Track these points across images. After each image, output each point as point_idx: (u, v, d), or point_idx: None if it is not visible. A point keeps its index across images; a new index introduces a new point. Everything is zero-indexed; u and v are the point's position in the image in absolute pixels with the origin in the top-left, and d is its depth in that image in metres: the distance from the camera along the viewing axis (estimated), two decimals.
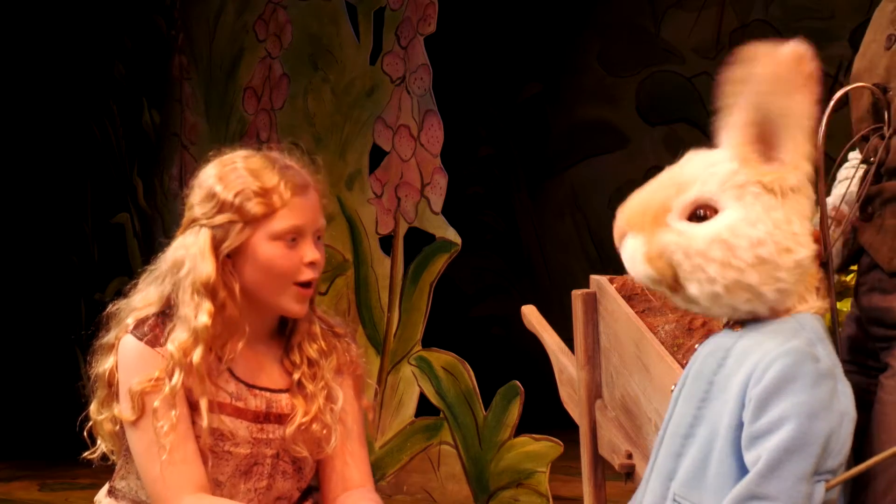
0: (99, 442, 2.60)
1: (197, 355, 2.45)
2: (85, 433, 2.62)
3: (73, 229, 8.39)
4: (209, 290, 2.46)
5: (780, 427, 1.76)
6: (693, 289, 1.87)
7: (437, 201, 5.65)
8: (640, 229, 1.91)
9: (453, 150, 5.89)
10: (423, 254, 5.71)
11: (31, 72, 8.38)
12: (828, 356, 1.84)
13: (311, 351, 2.59)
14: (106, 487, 2.65)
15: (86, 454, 2.63)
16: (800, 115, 1.85)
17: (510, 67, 8.47)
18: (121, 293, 2.65)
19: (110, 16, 7.93)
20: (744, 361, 1.85)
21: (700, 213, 1.88)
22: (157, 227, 7.28)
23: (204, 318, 2.45)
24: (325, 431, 2.55)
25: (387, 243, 5.89)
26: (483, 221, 8.53)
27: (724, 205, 1.87)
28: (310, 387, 2.56)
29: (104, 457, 2.63)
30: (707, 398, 1.89)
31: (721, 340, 1.92)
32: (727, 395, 1.85)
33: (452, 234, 5.60)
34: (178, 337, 2.47)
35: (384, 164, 5.90)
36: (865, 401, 1.92)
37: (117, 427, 2.56)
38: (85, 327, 2.66)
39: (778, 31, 7.42)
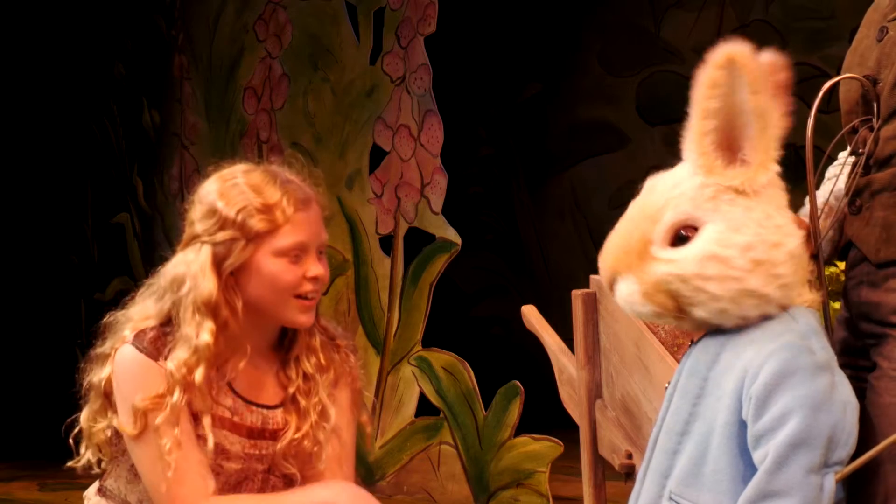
0: (83, 450, 2.57)
1: (199, 374, 2.42)
2: (71, 440, 2.59)
3: (73, 229, 8.39)
4: (211, 309, 2.43)
5: (785, 423, 1.76)
6: (700, 312, 1.86)
7: (437, 201, 5.65)
8: (629, 269, 1.89)
9: (453, 150, 5.89)
10: (423, 254, 5.71)
11: (31, 72, 8.39)
12: (823, 349, 1.84)
13: (308, 366, 2.55)
14: (96, 485, 2.64)
15: (70, 463, 2.60)
16: (764, 114, 1.83)
17: (510, 67, 8.47)
18: (119, 301, 2.62)
19: (110, 16, 7.93)
20: (738, 357, 1.85)
21: (682, 234, 1.87)
22: (157, 227, 7.28)
23: (206, 337, 2.42)
24: (315, 448, 2.52)
25: (387, 243, 5.89)
26: (483, 221, 8.53)
27: (703, 220, 1.86)
28: (303, 402, 2.53)
29: (89, 466, 2.60)
30: (702, 395, 1.89)
31: (715, 337, 1.92)
32: (722, 392, 1.85)
33: (452, 234, 5.60)
34: (178, 356, 2.44)
35: (384, 164, 5.90)
36: (861, 401, 1.91)
37: (111, 435, 2.53)
38: (85, 327, 2.65)
39: (778, 31, 7.43)
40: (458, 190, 6.19)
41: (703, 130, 1.86)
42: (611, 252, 1.92)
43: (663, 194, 1.90)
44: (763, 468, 1.76)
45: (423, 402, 5.71)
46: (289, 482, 2.55)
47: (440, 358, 5.62)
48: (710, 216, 1.85)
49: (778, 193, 1.88)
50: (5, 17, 8.18)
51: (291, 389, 2.54)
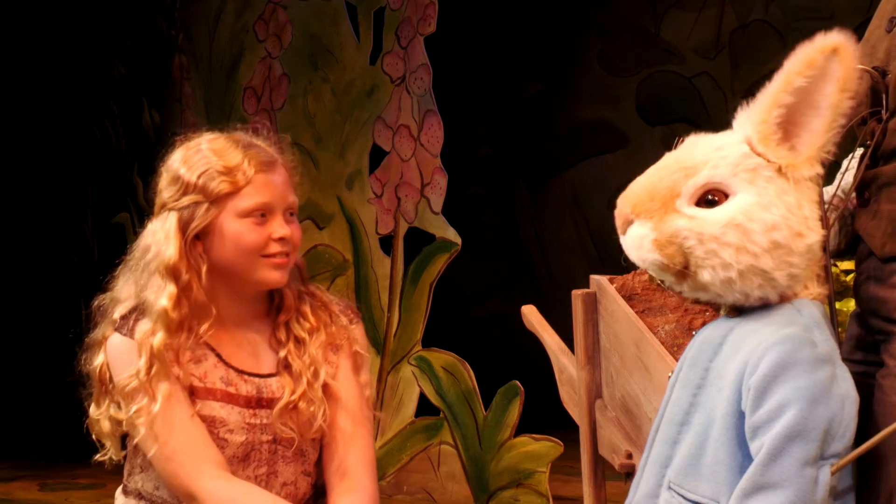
0: (107, 444, 2.58)
1: (157, 340, 2.44)
2: (94, 436, 2.59)
3: (73, 229, 8.39)
4: (171, 272, 2.45)
5: (782, 414, 1.75)
6: (706, 275, 1.85)
7: (437, 201, 5.65)
8: (648, 215, 1.88)
9: (453, 150, 5.89)
10: (423, 254, 5.71)
11: (31, 72, 8.39)
12: (825, 341, 1.83)
13: (298, 328, 2.57)
14: (121, 486, 2.65)
15: (97, 457, 2.60)
16: (838, 113, 1.83)
17: (510, 67, 8.47)
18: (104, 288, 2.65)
19: (110, 16, 7.93)
20: (739, 348, 1.85)
21: (710, 197, 1.87)
22: None
23: (164, 301, 2.44)
24: (311, 409, 2.52)
25: (387, 243, 5.89)
26: (483, 221, 8.53)
27: (736, 189, 1.85)
28: (296, 364, 2.54)
29: (114, 460, 2.60)
30: (703, 385, 1.89)
31: (717, 327, 1.92)
32: (723, 383, 1.85)
33: (452, 234, 5.60)
34: (142, 326, 2.47)
35: (384, 164, 5.90)
36: (869, 399, 1.90)
37: (117, 426, 2.54)
38: (85, 328, 2.65)
39: (778, 31, 7.43)
40: (458, 190, 6.19)
41: (778, 102, 1.84)
42: (635, 193, 1.92)
43: (706, 152, 1.89)
44: (758, 460, 1.76)
45: (423, 402, 5.70)
46: (300, 450, 2.55)
47: (440, 358, 5.62)
48: (745, 187, 1.85)
49: (814, 187, 1.88)
50: (5, 17, 8.18)
51: (283, 353, 2.55)
